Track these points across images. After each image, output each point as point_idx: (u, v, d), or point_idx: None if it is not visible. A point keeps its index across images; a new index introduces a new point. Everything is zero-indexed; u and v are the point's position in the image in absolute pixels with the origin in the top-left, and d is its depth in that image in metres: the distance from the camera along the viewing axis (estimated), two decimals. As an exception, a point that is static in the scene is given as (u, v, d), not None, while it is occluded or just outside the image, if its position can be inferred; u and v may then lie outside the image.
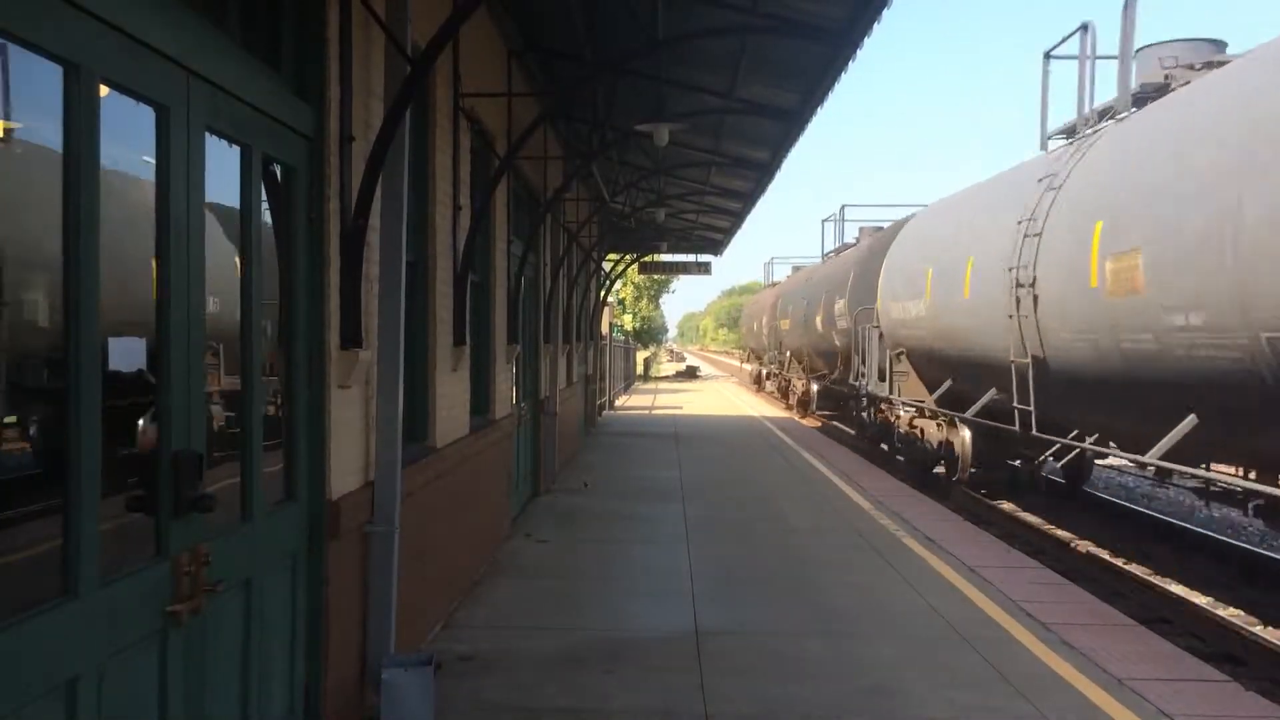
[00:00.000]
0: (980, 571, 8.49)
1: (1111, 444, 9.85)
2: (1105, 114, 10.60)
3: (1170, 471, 8.57)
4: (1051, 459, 11.31)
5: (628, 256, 24.42)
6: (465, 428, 7.65)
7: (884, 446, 17.61)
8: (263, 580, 3.81)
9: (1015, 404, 10.99)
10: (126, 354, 2.99)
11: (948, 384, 14.01)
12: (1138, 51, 10.21)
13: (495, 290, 9.06)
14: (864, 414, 19.05)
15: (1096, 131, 10.38)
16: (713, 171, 14.45)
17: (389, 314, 5.01)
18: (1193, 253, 7.52)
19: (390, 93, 5.09)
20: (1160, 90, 9.77)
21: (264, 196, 3.84)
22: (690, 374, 59.86)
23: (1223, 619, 8.55)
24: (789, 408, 30.65)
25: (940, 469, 14.88)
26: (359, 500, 4.80)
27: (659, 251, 23.45)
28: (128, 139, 2.94)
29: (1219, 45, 9.81)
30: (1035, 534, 12.36)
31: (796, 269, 35.89)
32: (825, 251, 29.71)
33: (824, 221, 30.87)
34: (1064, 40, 11.11)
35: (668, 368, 73.38)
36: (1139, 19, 9.94)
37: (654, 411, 29.69)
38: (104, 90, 2.70)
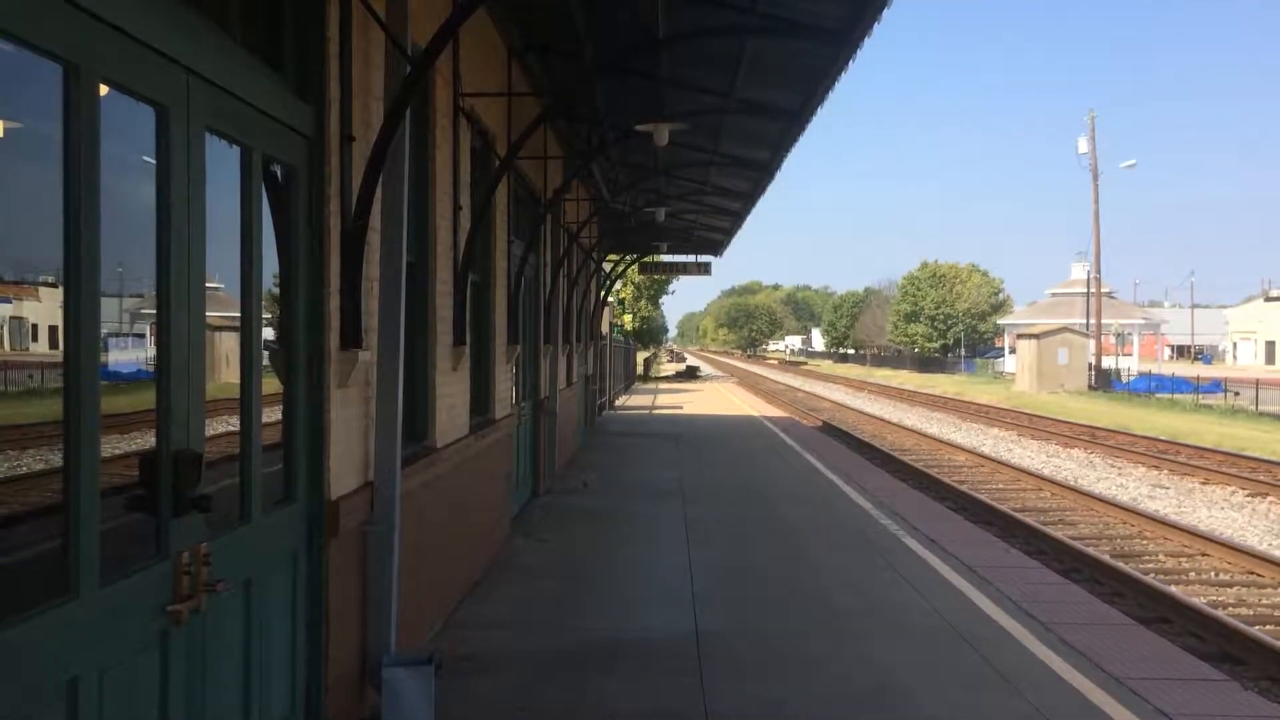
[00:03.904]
0: (980, 571, 8.48)
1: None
2: None
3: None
4: None
5: (628, 257, 24.42)
6: (465, 428, 7.65)
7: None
8: (263, 580, 3.81)
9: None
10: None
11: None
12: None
13: (495, 290, 9.06)
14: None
15: None
16: (713, 171, 14.44)
17: (389, 314, 5.01)
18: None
19: (390, 93, 5.09)
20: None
21: (264, 197, 3.84)
22: (690, 374, 59.87)
23: (1223, 619, 8.54)
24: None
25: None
26: (359, 500, 4.80)
27: (659, 252, 23.44)
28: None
29: None
30: (1034, 534, 12.37)
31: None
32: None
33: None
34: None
35: (668, 368, 73.38)
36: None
37: (654, 411, 29.71)
38: (104, 89, 2.70)
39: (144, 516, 2.99)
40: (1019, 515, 13.55)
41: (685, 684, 5.59)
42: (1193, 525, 13.17)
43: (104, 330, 2.71)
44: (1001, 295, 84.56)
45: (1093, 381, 45.61)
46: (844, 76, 8.21)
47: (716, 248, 24.13)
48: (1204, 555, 11.65)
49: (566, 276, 15.15)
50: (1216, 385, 39.59)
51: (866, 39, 6.88)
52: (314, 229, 4.35)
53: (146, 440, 3.05)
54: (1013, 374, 54.10)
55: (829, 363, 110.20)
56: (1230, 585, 10.39)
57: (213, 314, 3.40)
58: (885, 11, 6.33)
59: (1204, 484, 17.55)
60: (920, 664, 5.98)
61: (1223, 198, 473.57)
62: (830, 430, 26.79)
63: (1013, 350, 57.77)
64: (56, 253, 2.55)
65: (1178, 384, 41.76)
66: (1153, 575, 10.39)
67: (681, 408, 30.68)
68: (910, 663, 5.99)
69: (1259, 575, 10.64)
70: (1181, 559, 11.61)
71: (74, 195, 2.56)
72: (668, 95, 9.77)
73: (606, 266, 23.24)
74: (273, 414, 4.05)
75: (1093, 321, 47.36)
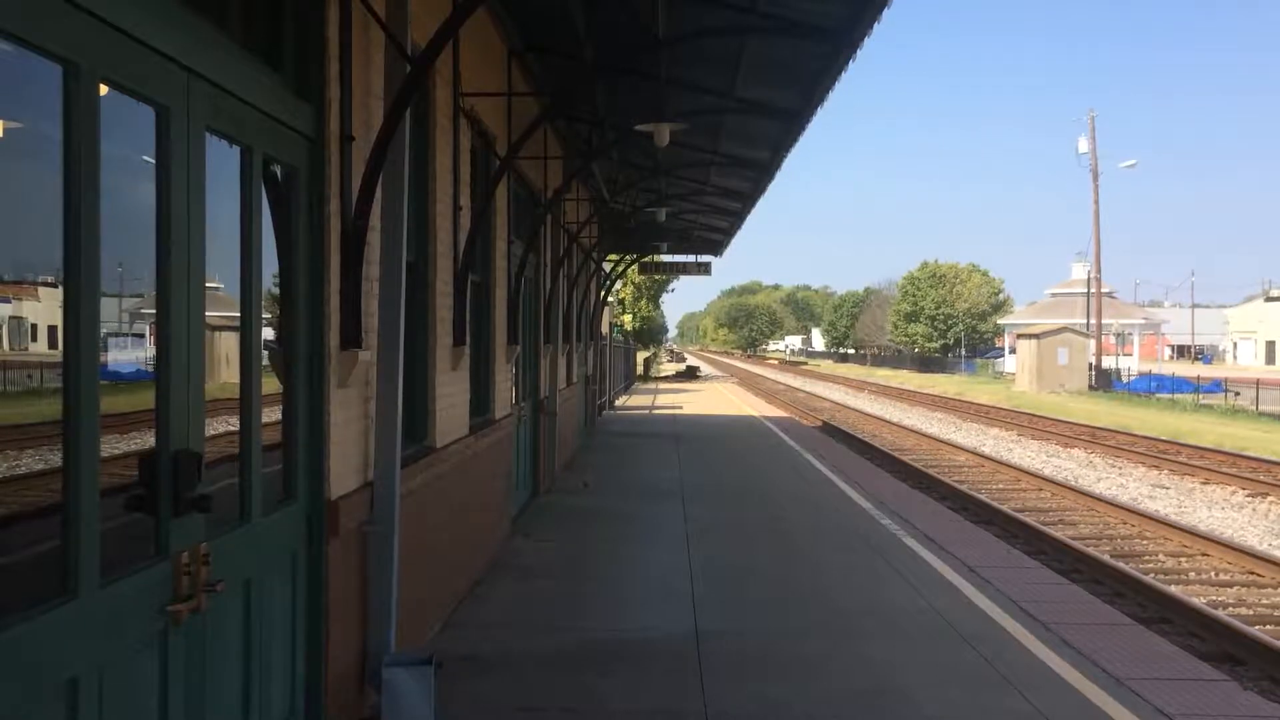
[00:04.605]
0: (980, 571, 8.48)
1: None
2: None
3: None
4: None
5: (628, 257, 24.42)
6: (465, 428, 7.65)
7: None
8: (263, 580, 3.81)
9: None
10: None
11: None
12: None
13: (495, 290, 9.06)
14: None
15: None
16: (713, 171, 14.43)
17: (389, 314, 5.01)
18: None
19: (390, 93, 5.09)
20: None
21: (264, 196, 3.84)
22: (690, 374, 59.87)
23: (1222, 618, 8.54)
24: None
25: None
26: (358, 500, 4.80)
27: (659, 252, 23.44)
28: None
29: None
30: (1035, 534, 12.37)
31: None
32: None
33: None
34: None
35: (668, 368, 73.36)
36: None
37: (654, 411, 29.71)
38: (103, 89, 2.70)
39: (144, 516, 2.99)
40: (1019, 515, 13.55)
41: (685, 684, 5.59)
42: (1193, 525, 13.17)
43: (104, 330, 2.71)
44: (1001, 295, 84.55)
45: (1093, 381, 45.61)
46: (844, 76, 8.22)
47: (716, 248, 24.13)
48: (1204, 555, 11.65)
49: (566, 276, 15.15)
50: (1217, 385, 39.59)
51: (867, 39, 6.88)
52: (314, 229, 4.35)
53: (146, 440, 3.05)
54: (1013, 374, 54.11)
55: (829, 363, 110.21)
56: (1230, 585, 10.39)
57: (213, 314, 3.40)
58: (885, 11, 6.33)
59: (1204, 484, 17.55)
60: (920, 664, 5.98)
61: (1223, 197, 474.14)
62: (830, 430, 26.78)
63: (1013, 350, 57.77)
64: (56, 253, 2.55)
65: (1178, 384, 41.76)
66: (1153, 575, 10.38)
67: (681, 408, 30.68)
68: (910, 662, 5.99)
69: (1259, 575, 10.63)
70: (1182, 559, 11.61)
71: (74, 195, 2.56)
72: (668, 95, 9.77)
73: (606, 266, 23.23)
74: (273, 414, 4.05)
75: (1093, 321, 47.37)
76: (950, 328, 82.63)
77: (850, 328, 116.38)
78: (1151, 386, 42.89)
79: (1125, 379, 47.08)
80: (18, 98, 2.58)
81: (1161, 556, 11.69)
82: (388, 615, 4.96)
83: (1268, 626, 8.73)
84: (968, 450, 22.17)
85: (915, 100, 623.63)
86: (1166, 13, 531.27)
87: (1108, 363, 49.31)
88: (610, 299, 28.26)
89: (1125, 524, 13.55)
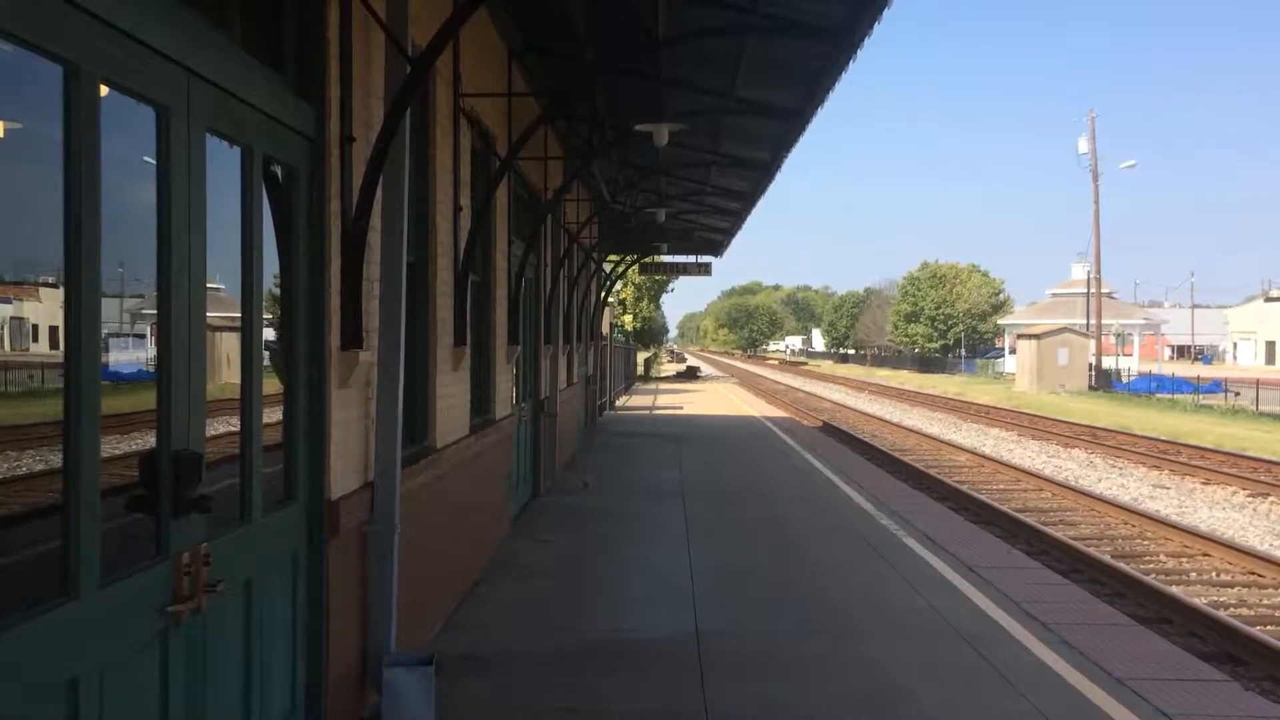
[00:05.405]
0: (980, 571, 8.48)
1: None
2: None
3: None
4: None
5: (628, 257, 24.42)
6: (465, 428, 7.65)
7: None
8: (263, 580, 3.81)
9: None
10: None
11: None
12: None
13: (496, 290, 9.06)
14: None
15: None
16: (713, 171, 14.44)
17: (389, 314, 5.01)
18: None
19: (390, 93, 5.09)
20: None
21: (265, 197, 3.84)
22: (691, 374, 59.89)
23: (1223, 619, 8.54)
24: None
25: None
26: (359, 500, 4.80)
27: (659, 252, 23.44)
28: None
29: None
30: (1035, 534, 12.37)
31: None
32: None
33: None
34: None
35: (668, 368, 73.37)
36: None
37: (654, 412, 29.71)
38: (104, 90, 2.70)
39: (144, 517, 2.99)
40: (1020, 515, 13.54)
41: (685, 684, 5.59)
42: (1194, 525, 13.17)
43: (104, 330, 2.71)
44: (1002, 295, 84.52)
45: (1093, 382, 45.61)
46: (844, 76, 8.23)
47: (717, 248, 24.13)
48: (1205, 555, 11.65)
49: (567, 277, 15.15)
50: (1217, 385, 39.58)
51: (867, 39, 6.89)
52: (314, 229, 4.35)
53: (146, 440, 3.05)
54: (1013, 374, 54.11)
55: (829, 363, 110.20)
56: (1231, 585, 10.38)
57: (213, 314, 3.40)
58: (885, 11, 6.33)
59: (1205, 484, 17.54)
60: (920, 664, 5.97)
61: (1223, 197, 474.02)
62: (831, 430, 26.78)
63: (1013, 351, 57.77)
64: (57, 253, 2.55)
65: (1178, 384, 41.75)
66: (1154, 576, 10.38)
67: (682, 408, 30.68)
68: (910, 663, 5.99)
69: (1260, 576, 10.63)
70: (1183, 559, 11.61)
71: (74, 195, 2.56)
72: (668, 95, 9.77)
73: (607, 267, 23.24)
74: (273, 414, 4.05)
75: (1093, 322, 47.37)
76: (950, 328, 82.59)
77: (850, 328, 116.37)
78: (1151, 387, 42.89)
79: (1125, 379, 47.08)
80: (18, 98, 2.58)
81: (1162, 557, 11.69)
82: (388, 615, 4.96)
83: (1269, 627, 8.73)
84: (968, 450, 22.17)
85: (914, 100, 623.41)
86: (1166, 12, 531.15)
87: (1108, 363, 49.32)
88: (610, 299, 28.26)
89: (1126, 524, 13.55)
